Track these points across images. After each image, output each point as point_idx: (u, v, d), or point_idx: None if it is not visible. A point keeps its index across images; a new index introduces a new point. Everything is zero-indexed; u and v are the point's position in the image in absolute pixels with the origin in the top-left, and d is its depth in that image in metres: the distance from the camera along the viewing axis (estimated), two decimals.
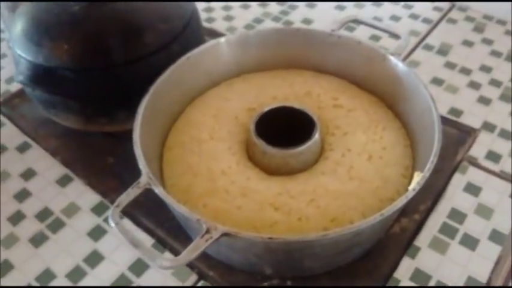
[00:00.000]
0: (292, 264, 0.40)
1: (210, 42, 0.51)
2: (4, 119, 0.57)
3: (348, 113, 0.48)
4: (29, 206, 0.49)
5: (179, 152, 0.46)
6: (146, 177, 0.38)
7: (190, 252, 0.34)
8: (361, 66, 0.51)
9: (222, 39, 0.51)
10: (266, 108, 0.46)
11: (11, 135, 0.55)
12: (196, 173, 0.44)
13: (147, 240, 0.45)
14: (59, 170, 0.52)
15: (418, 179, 0.38)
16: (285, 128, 0.46)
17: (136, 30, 0.48)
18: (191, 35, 0.53)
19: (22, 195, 0.49)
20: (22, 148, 0.54)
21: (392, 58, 0.48)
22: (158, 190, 0.38)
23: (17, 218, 0.48)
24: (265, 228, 0.40)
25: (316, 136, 0.44)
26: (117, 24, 0.48)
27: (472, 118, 0.54)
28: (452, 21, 0.66)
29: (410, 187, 0.38)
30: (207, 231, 0.35)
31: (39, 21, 0.49)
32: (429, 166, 0.38)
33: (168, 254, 0.44)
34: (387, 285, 0.41)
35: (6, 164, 0.52)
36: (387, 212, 0.36)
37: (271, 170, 0.44)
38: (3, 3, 0.60)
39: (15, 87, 0.61)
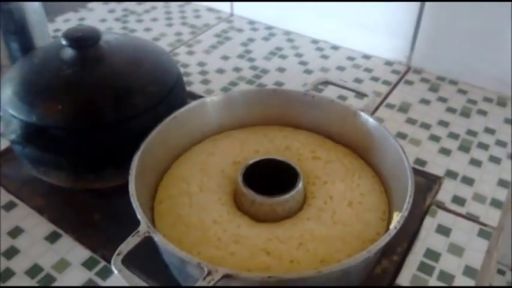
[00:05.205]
0: None
1: (196, 102, 0.54)
2: None
3: (325, 164, 0.52)
4: (18, 263, 0.49)
5: (170, 205, 0.48)
6: (145, 225, 0.40)
7: None
8: (335, 122, 0.56)
9: (208, 99, 0.54)
10: (251, 161, 0.49)
11: None
12: (188, 224, 0.46)
13: None
14: (47, 227, 0.52)
15: (397, 218, 0.41)
16: (269, 179, 0.49)
17: (126, 92, 0.51)
18: (176, 97, 0.56)
19: (10, 253, 0.49)
20: (8, 207, 0.54)
21: (362, 114, 0.53)
22: (158, 237, 0.40)
23: (6, 275, 0.47)
24: (259, 272, 0.42)
25: (300, 185, 0.47)
26: (108, 87, 0.51)
27: (435, 167, 0.59)
28: (409, 82, 0.74)
29: (392, 226, 0.41)
30: (209, 274, 0.37)
31: (30, 84, 0.51)
32: (406, 206, 0.42)
33: None
34: None
35: None
36: (374, 249, 0.39)
37: (259, 218, 0.47)
38: None
39: None
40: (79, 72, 0.51)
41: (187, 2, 0.96)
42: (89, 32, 0.52)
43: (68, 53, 0.52)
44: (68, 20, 0.89)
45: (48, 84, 0.50)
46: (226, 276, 0.37)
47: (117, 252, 0.38)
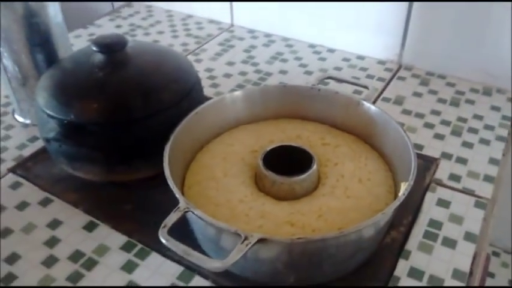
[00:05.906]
0: (310, 268, 0.47)
1: (215, 98, 0.60)
2: (21, 180, 0.62)
3: (334, 148, 0.58)
4: (60, 250, 0.53)
5: (199, 189, 0.53)
6: (184, 203, 0.45)
7: (234, 255, 0.40)
8: (339, 112, 0.61)
9: (227, 95, 0.60)
10: (269, 148, 0.55)
11: (31, 192, 0.60)
12: (217, 204, 0.51)
13: (176, 268, 0.51)
14: (83, 218, 0.57)
15: (405, 186, 0.47)
16: (285, 164, 0.55)
17: (152, 90, 0.57)
18: (195, 95, 0.62)
19: (52, 242, 0.54)
20: (44, 202, 0.59)
21: (365, 103, 0.59)
22: (197, 212, 0.44)
23: (50, 261, 0.52)
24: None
25: (315, 166, 0.53)
26: (136, 86, 0.56)
27: (432, 150, 0.65)
28: (402, 78, 0.80)
29: (400, 193, 0.47)
30: (245, 239, 0.42)
31: (66, 87, 0.57)
32: (411, 176, 0.48)
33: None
34: (390, 283, 0.49)
35: (31, 217, 0.57)
36: (388, 211, 0.44)
37: (279, 197, 0.52)
38: (13, 80, 0.68)
39: (27, 151, 0.66)
40: (110, 74, 0.56)
41: (189, 16, 1.02)
42: (117, 39, 0.58)
43: (98, 58, 0.57)
44: (78, 36, 0.95)
45: (82, 85, 0.56)
46: (261, 240, 0.42)
47: (162, 225, 0.43)
